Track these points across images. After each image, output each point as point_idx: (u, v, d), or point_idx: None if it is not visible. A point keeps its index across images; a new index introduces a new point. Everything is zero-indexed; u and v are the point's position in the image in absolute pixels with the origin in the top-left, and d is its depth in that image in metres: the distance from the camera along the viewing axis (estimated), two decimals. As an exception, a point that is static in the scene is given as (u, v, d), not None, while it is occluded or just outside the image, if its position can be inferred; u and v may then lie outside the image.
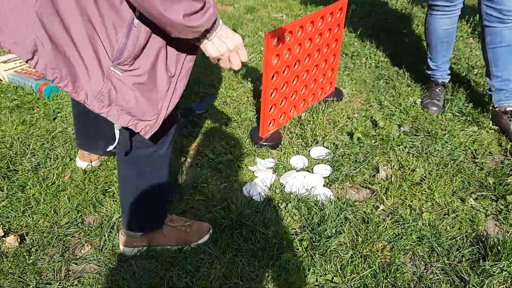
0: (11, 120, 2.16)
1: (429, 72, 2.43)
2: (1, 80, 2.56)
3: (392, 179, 1.83)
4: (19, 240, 1.51)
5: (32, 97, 2.38)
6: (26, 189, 1.73)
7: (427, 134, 2.12)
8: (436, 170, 1.88)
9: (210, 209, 1.67)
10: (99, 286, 1.36)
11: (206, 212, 1.66)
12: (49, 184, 1.75)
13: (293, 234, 1.56)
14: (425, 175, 1.85)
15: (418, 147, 2.02)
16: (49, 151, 1.97)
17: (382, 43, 3.09)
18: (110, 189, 1.75)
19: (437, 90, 2.37)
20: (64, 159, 1.91)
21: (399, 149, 2.01)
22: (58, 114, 2.24)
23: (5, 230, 1.56)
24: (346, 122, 2.22)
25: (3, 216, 1.62)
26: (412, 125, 2.20)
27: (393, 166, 1.91)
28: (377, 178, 1.84)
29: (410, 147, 2.03)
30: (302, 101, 2.27)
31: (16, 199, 1.68)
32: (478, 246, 1.53)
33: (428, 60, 2.40)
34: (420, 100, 2.38)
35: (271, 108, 2.05)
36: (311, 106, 2.32)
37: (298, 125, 2.19)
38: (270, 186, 1.80)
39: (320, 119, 2.22)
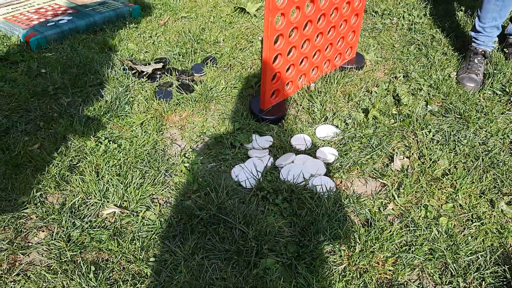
0: (-10, 76, 1.97)
1: (472, 34, 2.07)
2: (-10, 28, 2.35)
3: (408, 171, 1.53)
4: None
5: (18, 48, 2.16)
6: (-12, 158, 1.55)
7: (459, 116, 1.78)
8: (463, 163, 1.56)
9: (188, 195, 1.44)
10: (43, 285, 1.17)
11: (182, 199, 1.43)
12: (14, 154, 1.56)
13: (278, 235, 1.31)
14: (449, 168, 1.54)
15: (445, 132, 1.70)
16: (23, 113, 1.77)
17: (420, 0, 2.66)
18: (79, 164, 1.54)
19: (476, 61, 2.01)
20: (38, 124, 1.71)
21: (422, 133, 1.69)
22: (41, 71, 2.02)
23: (-42, 205, 1.39)
24: (364, 96, 1.90)
25: (-41, 189, 1.45)
26: (442, 104, 1.86)
27: (412, 154, 1.61)
28: (391, 168, 1.55)
29: (435, 131, 1.70)
30: (314, 68, 1.96)
31: (-25, 170, 1.50)
32: (504, 267, 1.25)
33: (476, 19, 2.04)
34: (455, 73, 2.02)
35: (274, 77, 1.76)
36: (324, 75, 2.01)
37: (306, 96, 1.89)
38: (263, 171, 1.54)
39: (333, 90, 1.91)
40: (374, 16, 2.53)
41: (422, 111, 1.81)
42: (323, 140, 1.69)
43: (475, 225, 1.35)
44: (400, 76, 2.01)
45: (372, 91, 1.92)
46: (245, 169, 1.55)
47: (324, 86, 1.94)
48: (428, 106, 1.84)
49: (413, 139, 1.67)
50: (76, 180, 1.47)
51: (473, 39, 2.07)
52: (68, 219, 1.34)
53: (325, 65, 2.01)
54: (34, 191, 1.43)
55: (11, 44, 2.19)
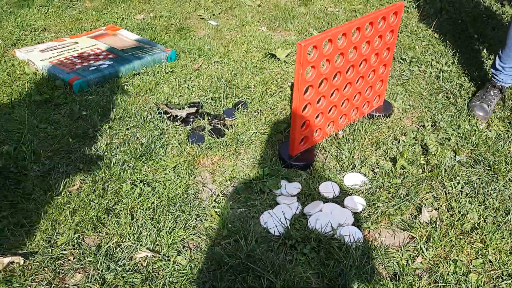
0: (34, 117, 2.09)
1: (492, 70, 2.17)
2: (37, 71, 2.50)
3: (437, 223, 1.54)
4: (21, 261, 1.41)
5: (62, 91, 2.30)
6: (31, 198, 1.64)
7: (488, 168, 1.78)
8: (493, 217, 1.56)
9: (217, 241, 1.48)
10: (78, 327, 1.22)
11: (212, 244, 1.47)
12: (54, 195, 1.65)
13: (305, 286, 1.33)
14: (478, 222, 1.53)
15: (474, 184, 1.70)
16: (65, 154, 1.87)
17: (448, 48, 2.70)
18: (115, 206, 1.61)
19: (492, 93, 2.13)
20: (77, 165, 1.81)
21: (451, 184, 1.70)
22: (83, 113, 2.14)
23: (4, 245, 1.47)
24: (391, 144, 1.92)
25: (1, 227, 1.53)
26: (471, 154, 1.87)
27: (440, 206, 1.61)
28: (419, 220, 1.56)
29: (464, 183, 1.71)
30: (342, 116, 2.00)
31: (19, 210, 1.59)
32: (536, 328, 1.23)
33: (497, 58, 2.13)
34: (468, 101, 2.13)
35: (303, 124, 1.81)
36: (353, 122, 2.05)
37: (334, 143, 1.93)
38: (291, 218, 1.58)
39: (361, 138, 1.95)
40: (402, 63, 2.58)
41: (451, 162, 1.81)
42: (351, 189, 1.72)
43: (506, 283, 1.34)
44: (428, 125, 2.03)
45: (400, 140, 1.95)
46: (274, 216, 1.58)
47: (352, 133, 1.98)
48: (457, 156, 1.85)
49: (442, 190, 1.68)
50: (112, 222, 1.54)
51: (493, 75, 2.17)
52: (104, 262, 1.40)
53: (353, 113, 2.05)
54: (72, 232, 1.50)
55: (55, 86, 2.33)
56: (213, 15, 3.31)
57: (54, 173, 1.76)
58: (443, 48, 2.71)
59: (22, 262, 1.39)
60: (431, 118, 2.10)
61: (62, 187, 1.69)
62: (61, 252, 1.44)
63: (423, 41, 2.83)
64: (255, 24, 3.18)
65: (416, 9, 3.32)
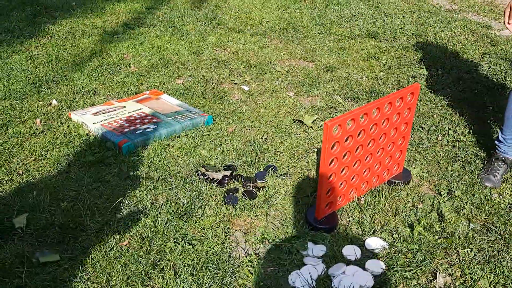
0: (88, 175, 2.36)
1: (496, 142, 2.38)
2: (90, 133, 2.81)
3: (451, 289, 1.69)
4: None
5: (112, 152, 2.58)
6: (87, 252, 1.87)
7: (499, 237, 1.93)
8: (503, 284, 1.70)
9: (251, 298, 1.67)
10: None
11: (246, 301, 1.66)
12: (108, 250, 1.88)
13: None
14: (489, 289, 1.68)
15: (486, 252, 1.84)
16: (115, 212, 2.11)
17: (464, 118, 2.90)
18: (160, 262, 1.82)
19: (496, 165, 2.31)
20: (127, 222, 2.04)
21: (464, 252, 1.85)
22: (130, 173, 2.40)
23: (63, 293, 1.69)
24: (410, 211, 2.10)
25: (63, 278, 1.75)
26: (484, 223, 2.02)
27: (454, 272, 1.76)
28: (434, 285, 1.71)
29: (477, 250, 1.86)
30: (364, 183, 2.20)
31: (78, 262, 1.82)
32: None
33: (499, 131, 2.35)
34: (478, 173, 2.32)
35: (328, 191, 2.01)
36: (373, 189, 2.24)
37: (356, 208, 2.12)
38: (317, 279, 1.75)
39: (382, 204, 2.13)
40: (421, 131, 2.79)
41: (465, 229, 1.97)
42: (372, 252, 1.89)
43: None
44: (444, 193, 2.21)
45: (417, 207, 2.12)
46: (301, 277, 1.76)
47: (373, 199, 2.16)
48: (471, 224, 2.01)
49: (456, 257, 1.83)
50: (158, 277, 1.75)
51: (496, 147, 2.37)
52: (151, 313, 1.60)
53: (374, 180, 2.25)
54: (124, 285, 1.71)
55: (106, 148, 2.62)
56: (245, 80, 3.61)
57: (107, 229, 2.00)
58: (459, 118, 2.91)
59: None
60: (447, 186, 2.28)
61: (114, 242, 1.92)
62: (114, 302, 1.65)
63: (441, 109, 3.04)
64: (284, 89, 3.46)
65: (435, 78, 3.56)
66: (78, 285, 1.72)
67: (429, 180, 2.34)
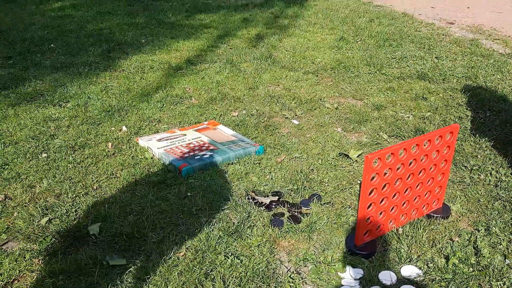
0: (152, 194, 2.66)
1: None
2: (154, 156, 3.14)
3: (481, 317, 1.78)
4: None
5: (172, 175, 2.88)
6: (149, 259, 2.13)
7: (535, 274, 2.00)
8: (534, 317, 1.77)
9: (291, 310, 1.84)
10: None
11: (286, 312, 1.83)
12: (167, 258, 2.13)
13: None
14: (520, 321, 1.75)
15: (520, 286, 1.92)
16: (173, 227, 2.38)
17: (508, 159, 2.97)
18: (212, 272, 2.05)
19: None
20: (183, 236, 2.29)
21: (498, 285, 1.93)
22: (188, 194, 2.68)
23: (127, 292, 1.95)
24: (446, 243, 2.20)
25: (128, 280, 2.02)
26: (520, 259, 2.09)
27: (486, 303, 1.85)
28: (465, 313, 1.81)
29: (510, 284, 1.93)
30: (403, 214, 2.34)
31: (140, 267, 2.08)
32: None
33: None
34: None
35: (367, 219, 2.17)
36: (412, 221, 2.37)
37: (395, 238, 2.26)
38: (353, 298, 1.90)
39: (420, 235, 2.25)
40: (464, 170, 2.88)
41: (500, 264, 2.05)
42: (407, 279, 2.01)
43: None
44: (482, 229, 2.29)
45: (454, 240, 2.22)
46: (338, 295, 1.92)
47: (411, 230, 2.29)
48: (506, 260, 2.08)
49: (489, 289, 1.92)
50: (209, 285, 1.97)
51: None
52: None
53: (413, 213, 2.38)
54: (180, 289, 1.95)
55: (168, 170, 2.93)
56: (296, 115, 3.86)
57: (166, 241, 2.26)
58: (503, 159, 2.97)
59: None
60: (485, 223, 2.36)
61: (172, 253, 2.17)
62: (171, 303, 1.88)
63: (485, 150, 3.12)
64: (332, 125, 3.67)
65: (482, 120, 3.63)
66: (140, 287, 1.97)
67: (468, 216, 2.44)
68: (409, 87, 4.46)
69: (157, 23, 7.13)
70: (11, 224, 2.40)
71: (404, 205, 2.31)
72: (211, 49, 5.80)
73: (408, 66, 5.09)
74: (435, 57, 5.36)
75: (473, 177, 2.80)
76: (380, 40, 6.12)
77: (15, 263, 2.11)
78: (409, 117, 3.79)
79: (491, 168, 2.87)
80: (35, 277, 2.03)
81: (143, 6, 8.46)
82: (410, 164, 2.20)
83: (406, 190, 2.27)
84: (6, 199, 2.61)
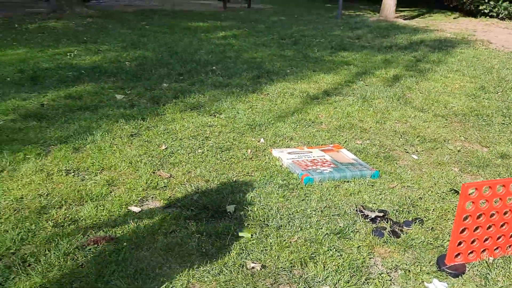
0: (277, 193, 3.24)
1: None
2: (283, 165, 3.75)
3: None
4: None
5: (296, 181, 3.44)
6: (268, 238, 2.69)
7: None
8: None
9: (375, 298, 2.22)
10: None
11: (371, 298, 2.22)
12: (282, 240, 2.67)
13: None
14: None
15: None
16: (290, 220, 2.91)
17: None
18: (315, 258, 2.52)
19: None
20: (296, 228, 2.81)
21: None
22: (306, 197, 3.20)
23: (249, 256, 2.53)
24: (537, 281, 2.35)
25: (252, 248, 2.60)
26: None
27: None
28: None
29: None
30: (498, 248, 2.53)
31: (259, 241, 2.66)
32: None
33: None
34: None
35: (460, 243, 2.44)
36: (506, 255, 2.54)
37: (485, 265, 2.47)
38: (433, 304, 2.20)
39: (510, 269, 2.43)
40: None
41: None
42: (488, 300, 2.23)
43: None
44: None
45: (546, 280, 2.36)
46: (419, 297, 2.24)
47: (503, 263, 2.47)
48: None
49: None
50: (312, 266, 2.45)
51: None
52: None
53: (509, 248, 2.55)
54: (288, 265, 2.46)
55: (292, 177, 3.50)
56: (416, 151, 4.14)
57: (283, 228, 2.80)
58: None
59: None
60: None
61: (287, 237, 2.71)
62: None
63: None
64: (450, 165, 3.87)
65: None
66: (260, 256, 2.54)
67: None
68: (543, 141, 4.39)
69: (303, 57, 7.92)
70: (173, 195, 3.19)
71: (500, 239, 2.51)
72: (347, 84, 6.32)
73: (548, 121, 4.95)
74: None
75: None
76: (524, 93, 5.98)
77: (174, 220, 2.86)
78: (534, 169, 3.80)
79: None
80: (186, 232, 2.74)
81: (293, 41, 9.40)
82: (509, 200, 2.41)
83: (503, 225, 2.47)
84: (171, 177, 3.44)
